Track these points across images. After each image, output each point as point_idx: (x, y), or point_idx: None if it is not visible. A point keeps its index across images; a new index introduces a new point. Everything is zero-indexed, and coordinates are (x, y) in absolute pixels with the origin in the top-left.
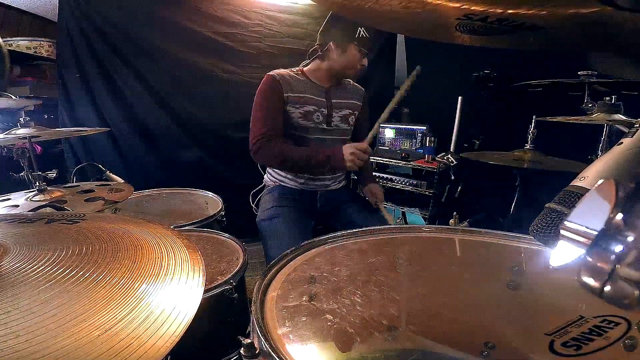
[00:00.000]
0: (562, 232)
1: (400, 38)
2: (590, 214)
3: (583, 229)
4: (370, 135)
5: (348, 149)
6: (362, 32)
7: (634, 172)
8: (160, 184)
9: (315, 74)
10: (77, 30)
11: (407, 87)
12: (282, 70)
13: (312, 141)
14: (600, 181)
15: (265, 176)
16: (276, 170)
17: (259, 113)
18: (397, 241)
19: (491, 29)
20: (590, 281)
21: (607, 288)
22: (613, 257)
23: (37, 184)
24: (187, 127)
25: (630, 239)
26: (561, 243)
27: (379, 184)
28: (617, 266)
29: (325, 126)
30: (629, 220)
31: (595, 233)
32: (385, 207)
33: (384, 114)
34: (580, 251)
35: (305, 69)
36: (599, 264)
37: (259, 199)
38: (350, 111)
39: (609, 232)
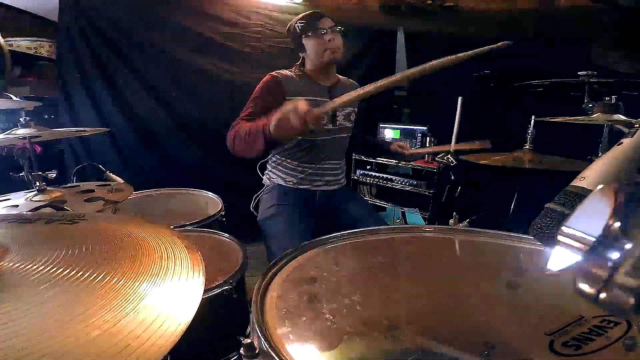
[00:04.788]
0: (560, 237)
1: (401, 39)
2: (588, 220)
3: (580, 234)
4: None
5: (282, 108)
6: (298, 25)
7: (633, 173)
8: (160, 184)
9: (312, 73)
10: (78, 30)
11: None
12: (285, 71)
13: (318, 142)
14: (600, 186)
15: (264, 177)
16: (274, 170)
17: (249, 105)
18: (397, 241)
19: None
20: (586, 287)
21: (603, 295)
22: (610, 264)
23: (37, 184)
24: (187, 127)
25: (627, 246)
26: (558, 248)
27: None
28: (614, 274)
29: (330, 126)
30: (626, 227)
31: (593, 239)
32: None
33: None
34: (577, 257)
35: (303, 69)
36: (595, 271)
37: (259, 200)
38: (352, 109)
39: (607, 239)
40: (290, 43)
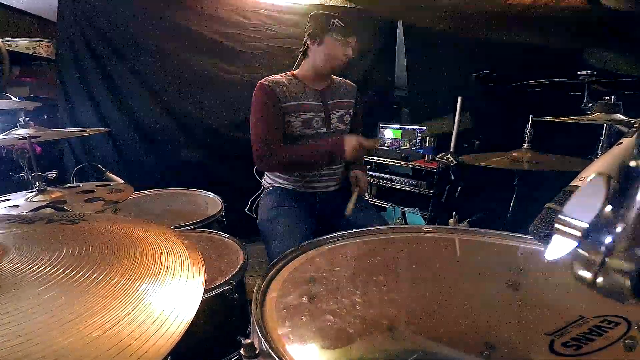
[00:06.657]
0: (556, 225)
1: (400, 39)
2: (581, 207)
3: (574, 221)
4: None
5: (351, 140)
6: (336, 22)
7: None
8: (160, 184)
9: (306, 75)
10: (77, 30)
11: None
12: (275, 77)
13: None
14: (592, 175)
15: (263, 180)
16: (275, 174)
17: (259, 123)
18: (397, 241)
19: None
20: (583, 273)
21: (599, 279)
22: (603, 248)
23: (37, 184)
24: (187, 127)
25: (619, 229)
26: (555, 237)
27: (365, 173)
28: (608, 258)
29: (325, 130)
30: (617, 211)
31: (586, 225)
32: (362, 196)
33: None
34: (573, 244)
35: (296, 72)
36: (590, 256)
37: (258, 202)
38: (346, 110)
39: (600, 224)
40: (305, 36)
